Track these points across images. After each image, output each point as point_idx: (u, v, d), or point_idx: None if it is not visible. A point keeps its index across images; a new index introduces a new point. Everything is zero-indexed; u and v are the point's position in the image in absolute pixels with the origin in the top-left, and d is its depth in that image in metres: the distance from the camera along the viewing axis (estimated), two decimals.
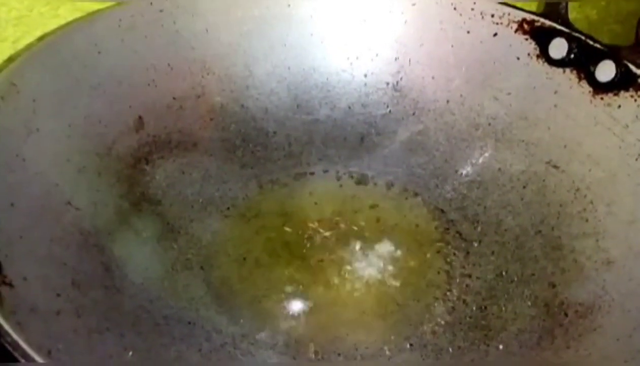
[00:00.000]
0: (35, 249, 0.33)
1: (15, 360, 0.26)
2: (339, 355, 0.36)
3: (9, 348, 0.26)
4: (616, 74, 0.41)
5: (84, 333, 0.31)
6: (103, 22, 0.43)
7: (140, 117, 0.43)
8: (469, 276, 0.40)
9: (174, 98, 0.44)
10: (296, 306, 0.38)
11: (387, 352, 0.36)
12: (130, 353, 0.32)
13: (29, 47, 0.41)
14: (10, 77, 0.38)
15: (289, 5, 0.46)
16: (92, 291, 0.34)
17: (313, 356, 0.36)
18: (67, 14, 0.46)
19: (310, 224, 0.43)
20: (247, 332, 0.37)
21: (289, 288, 0.39)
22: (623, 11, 0.53)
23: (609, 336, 0.33)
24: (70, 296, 0.32)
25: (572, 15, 0.53)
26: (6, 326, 0.26)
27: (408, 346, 0.37)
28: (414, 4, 0.46)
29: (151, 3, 0.44)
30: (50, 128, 0.38)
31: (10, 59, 0.40)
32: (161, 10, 0.44)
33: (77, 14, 0.45)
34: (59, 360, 0.27)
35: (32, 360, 0.26)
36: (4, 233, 0.32)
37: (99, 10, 0.43)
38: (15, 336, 0.26)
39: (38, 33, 0.46)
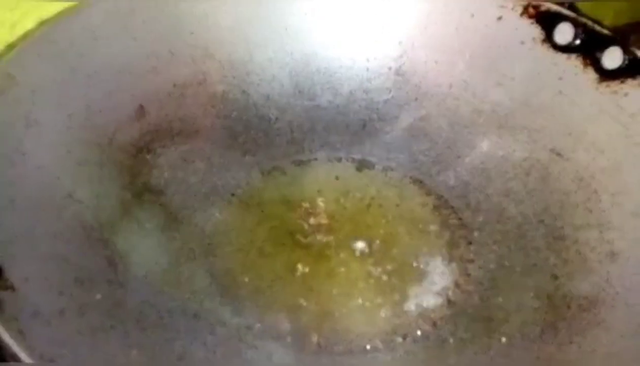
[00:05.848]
0: (37, 246, 0.33)
1: None
2: (342, 346, 0.37)
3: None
4: (623, 61, 0.40)
5: (87, 333, 0.31)
6: (100, 8, 0.42)
7: (141, 106, 0.42)
8: (471, 263, 0.40)
9: (175, 85, 0.44)
10: (299, 296, 0.39)
11: (389, 343, 0.37)
12: (135, 351, 0.32)
13: (25, 35, 0.40)
14: (7, 68, 0.37)
15: None
16: (95, 287, 0.33)
17: (316, 347, 0.36)
18: None
19: (313, 212, 0.43)
20: (251, 323, 0.37)
21: (292, 278, 0.39)
22: None
23: (613, 332, 0.33)
24: (73, 294, 0.32)
25: None
26: (7, 338, 0.26)
27: (410, 337, 0.37)
28: None
29: None
30: (50, 120, 0.38)
31: (10, 47, 0.40)
32: None
33: None
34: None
35: None
36: (5, 232, 0.32)
37: None
38: (16, 348, 0.26)
39: (35, 16, 0.45)
